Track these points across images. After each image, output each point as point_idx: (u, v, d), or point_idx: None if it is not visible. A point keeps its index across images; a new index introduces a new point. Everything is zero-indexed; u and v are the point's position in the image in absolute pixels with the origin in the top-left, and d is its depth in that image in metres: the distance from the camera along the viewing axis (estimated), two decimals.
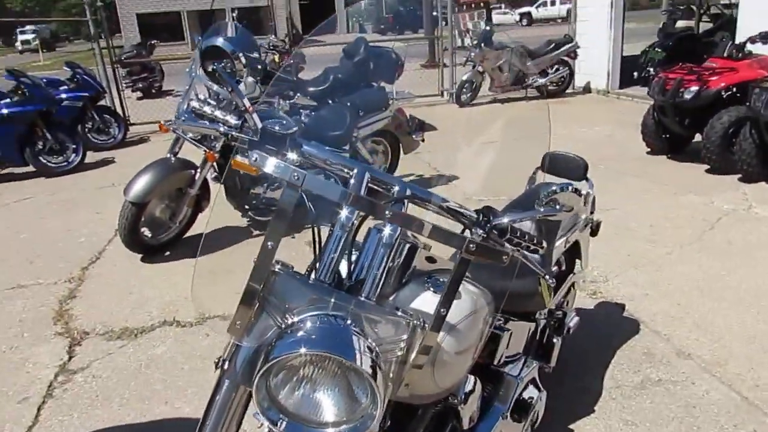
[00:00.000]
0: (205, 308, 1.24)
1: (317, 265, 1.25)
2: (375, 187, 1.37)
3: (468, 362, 1.38)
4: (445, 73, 9.84)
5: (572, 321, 2.42)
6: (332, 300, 1.17)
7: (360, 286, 1.25)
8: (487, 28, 9.35)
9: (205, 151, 4.01)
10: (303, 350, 1.04)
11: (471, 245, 1.14)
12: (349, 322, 1.13)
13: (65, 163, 6.61)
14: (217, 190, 4.23)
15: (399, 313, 1.21)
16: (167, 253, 4.21)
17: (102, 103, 7.96)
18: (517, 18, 33.72)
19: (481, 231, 1.34)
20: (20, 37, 35.24)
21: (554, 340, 2.14)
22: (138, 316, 3.38)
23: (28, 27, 34.88)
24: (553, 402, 2.40)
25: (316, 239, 1.28)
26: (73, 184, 6.33)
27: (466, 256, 1.15)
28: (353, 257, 1.31)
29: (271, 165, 1.10)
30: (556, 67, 9.49)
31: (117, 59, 9.44)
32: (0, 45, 40.91)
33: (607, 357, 2.75)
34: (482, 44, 8.91)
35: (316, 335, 1.07)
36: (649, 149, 6.11)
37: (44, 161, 6.50)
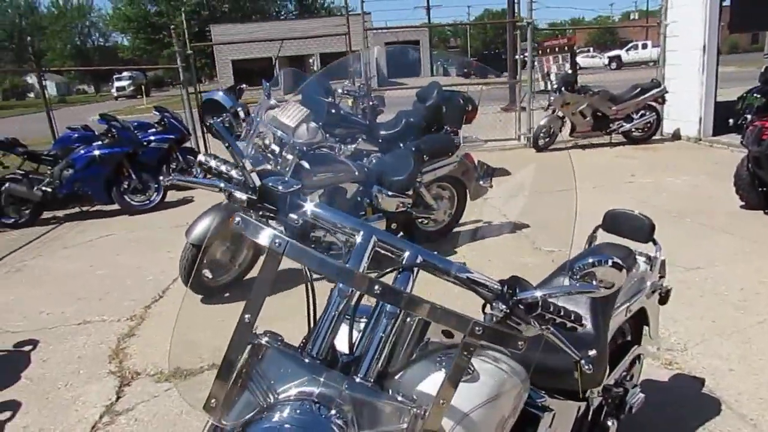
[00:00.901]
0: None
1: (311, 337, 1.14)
2: (384, 252, 1.24)
3: None
4: (523, 117, 9.64)
5: (636, 399, 2.16)
6: (321, 379, 1.05)
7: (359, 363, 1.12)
8: (569, 71, 9.11)
9: None
10: None
11: (477, 329, 0.99)
12: (332, 412, 1.00)
13: (147, 202, 6.93)
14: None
15: (399, 399, 1.06)
16: (227, 294, 4.23)
17: (187, 144, 8.33)
18: (606, 62, 32.96)
19: (504, 306, 1.19)
20: (116, 84, 38.11)
21: (609, 423, 1.89)
22: (189, 359, 3.37)
23: (124, 73, 37.73)
24: None
25: (311, 308, 1.16)
26: (152, 222, 6.59)
27: (471, 341, 1.00)
28: (359, 328, 1.18)
29: (251, 229, 1.01)
30: (642, 112, 9.06)
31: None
32: (97, 92, 44.60)
33: None
34: (563, 88, 8.67)
35: (288, 428, 0.95)
36: (743, 203, 5.60)
37: (128, 200, 6.84)
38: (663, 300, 2.31)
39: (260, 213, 1.26)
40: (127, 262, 5.25)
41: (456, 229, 5.21)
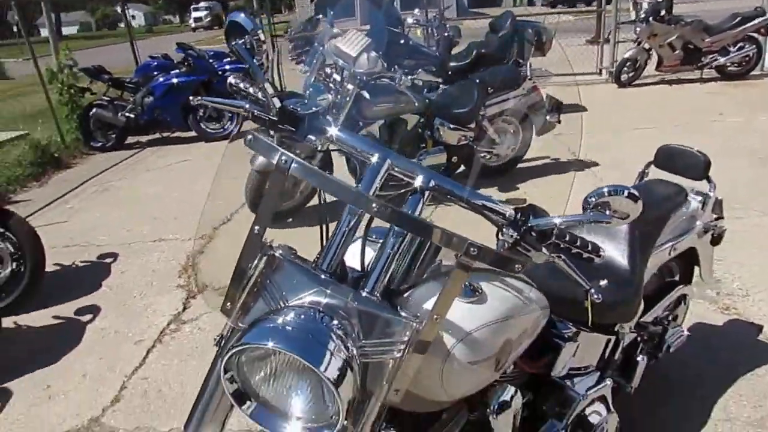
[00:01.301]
0: None
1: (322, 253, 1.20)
2: (398, 176, 1.27)
3: (487, 373, 1.24)
4: (606, 50, 9.09)
5: (675, 339, 2.13)
6: (328, 291, 1.12)
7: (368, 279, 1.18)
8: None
9: None
10: (270, 344, 0.99)
11: (472, 249, 1.01)
12: (334, 322, 1.07)
13: (221, 130, 7.17)
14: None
15: (403, 314, 1.12)
16: (290, 220, 4.40)
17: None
18: None
19: (514, 232, 1.20)
20: (193, 14, 38.45)
21: (639, 359, 1.89)
22: None
23: (201, 4, 37.95)
24: (645, 423, 2.14)
25: (323, 227, 1.22)
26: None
27: (466, 261, 1.03)
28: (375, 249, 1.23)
29: (260, 147, 1.06)
30: (740, 44, 8.31)
31: (284, 33, 9.97)
32: (181, 22, 45.21)
33: (724, 384, 2.38)
34: (651, 18, 8.06)
35: (289, 330, 1.02)
36: None
37: (204, 127, 7.11)
38: (715, 241, 2.22)
39: (282, 136, 1.32)
40: (201, 187, 5.52)
41: (519, 166, 5.12)
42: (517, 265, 1.06)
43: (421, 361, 1.11)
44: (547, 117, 4.85)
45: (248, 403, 1.07)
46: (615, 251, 1.80)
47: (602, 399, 1.74)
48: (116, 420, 2.42)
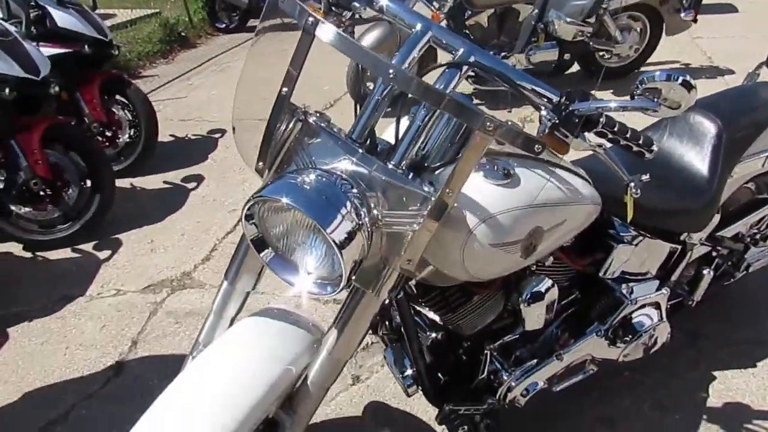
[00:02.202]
0: None
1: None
2: (439, 47, 1.23)
3: (512, 258, 1.23)
4: None
5: (758, 258, 1.97)
6: (354, 159, 1.14)
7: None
8: None
9: (432, 9, 3.99)
10: (284, 199, 1.04)
11: (489, 124, 0.97)
12: (353, 189, 1.08)
13: None
14: None
15: (425, 188, 1.12)
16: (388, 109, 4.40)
17: None
18: None
19: (554, 115, 1.14)
20: None
21: (705, 272, 1.77)
22: None
23: None
24: (710, 341, 2.05)
25: (357, 99, 1.22)
26: None
27: (482, 137, 0.99)
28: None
29: (289, 6, 1.06)
30: None
31: None
32: None
33: None
34: None
35: (306, 189, 1.06)
36: None
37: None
38: None
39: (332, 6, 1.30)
40: (309, 72, 5.62)
41: (643, 69, 4.69)
42: (537, 147, 1.01)
43: (437, 236, 1.12)
44: (682, 15, 4.35)
45: (266, 251, 1.15)
46: (694, 153, 1.65)
47: (655, 306, 1.67)
48: (204, 276, 2.69)
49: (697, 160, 1.64)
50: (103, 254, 2.91)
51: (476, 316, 1.48)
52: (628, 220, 1.26)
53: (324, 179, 1.09)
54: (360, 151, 1.15)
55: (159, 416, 1.18)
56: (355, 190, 1.10)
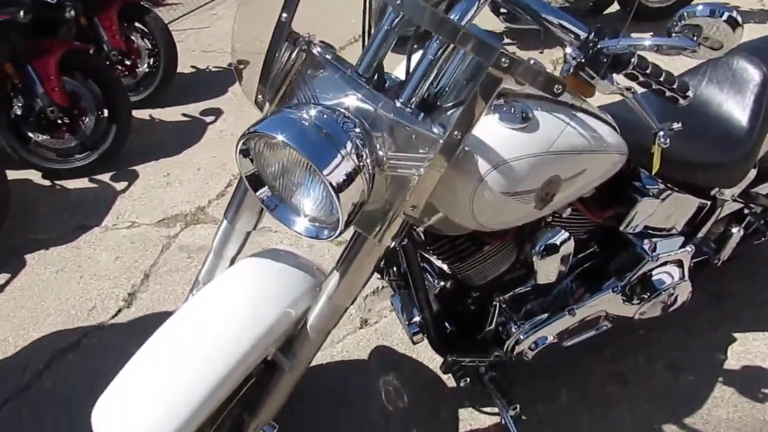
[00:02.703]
0: None
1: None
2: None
3: (525, 208, 1.15)
4: None
5: None
6: (359, 95, 1.05)
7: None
8: None
9: None
10: (279, 137, 0.97)
11: (504, 60, 0.87)
12: (356, 129, 1.01)
13: None
14: None
15: (434, 129, 1.04)
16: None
17: None
18: None
19: (580, 53, 1.04)
20: None
21: (734, 230, 1.68)
22: None
23: None
24: (734, 301, 1.98)
25: (366, 26, 1.12)
26: None
27: (497, 74, 0.90)
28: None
29: None
30: None
31: None
32: None
33: None
34: None
35: (305, 126, 0.98)
36: None
37: None
38: None
39: None
40: (334, 7, 5.44)
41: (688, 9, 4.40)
42: (557, 87, 0.91)
43: (446, 182, 1.05)
44: None
45: (263, 189, 1.09)
46: (734, 102, 1.53)
47: (678, 264, 1.59)
48: (218, 212, 2.66)
49: (737, 109, 1.52)
50: (119, 185, 2.90)
51: (486, 267, 1.42)
52: (653, 172, 1.16)
53: (325, 116, 1.02)
54: (366, 86, 1.06)
55: (154, 351, 1.17)
56: (357, 130, 1.02)
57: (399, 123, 1.04)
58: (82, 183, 2.93)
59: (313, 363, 1.87)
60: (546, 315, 1.52)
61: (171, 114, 3.54)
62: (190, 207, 2.70)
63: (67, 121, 2.88)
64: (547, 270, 1.38)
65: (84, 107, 2.93)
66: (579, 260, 1.62)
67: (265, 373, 1.36)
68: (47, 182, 2.95)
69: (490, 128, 1.08)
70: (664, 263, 1.56)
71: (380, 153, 1.04)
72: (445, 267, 1.45)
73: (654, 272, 1.56)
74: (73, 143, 2.95)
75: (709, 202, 1.58)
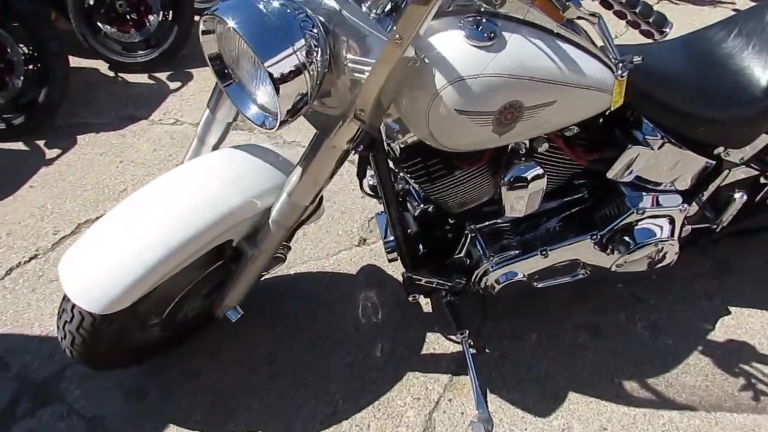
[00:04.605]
0: None
1: None
2: None
3: (481, 131, 1.14)
4: None
5: None
6: None
7: None
8: None
9: None
10: (231, 22, 1.00)
11: None
12: (314, 29, 1.03)
13: None
14: None
15: (387, 31, 1.05)
16: None
17: None
18: None
19: None
20: None
21: (735, 195, 1.59)
22: None
23: None
24: (740, 275, 1.89)
25: None
26: None
27: None
28: None
29: None
30: None
31: None
32: None
33: None
34: None
35: (260, 16, 1.01)
36: None
37: None
38: None
39: None
40: None
41: None
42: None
43: (408, 94, 1.08)
44: None
45: (226, 76, 1.15)
46: (758, 57, 1.42)
47: (669, 221, 1.53)
48: None
49: (759, 65, 1.41)
50: (173, 84, 3.04)
51: (459, 193, 1.43)
52: (612, 108, 1.12)
53: (288, 10, 1.04)
54: None
55: (122, 214, 1.28)
56: (315, 30, 1.05)
57: (358, 25, 1.05)
58: (142, 78, 3.09)
59: (303, 270, 1.98)
60: (517, 252, 1.52)
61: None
62: None
63: (134, 17, 3.03)
64: (514, 202, 1.37)
65: (150, 5, 3.06)
66: (567, 204, 1.60)
67: (234, 259, 1.46)
68: (111, 73, 3.13)
69: (453, 43, 1.08)
70: (652, 217, 1.50)
71: (342, 55, 1.07)
72: (416, 186, 1.47)
73: (638, 225, 1.51)
74: (138, 39, 3.10)
75: (713, 162, 1.50)
